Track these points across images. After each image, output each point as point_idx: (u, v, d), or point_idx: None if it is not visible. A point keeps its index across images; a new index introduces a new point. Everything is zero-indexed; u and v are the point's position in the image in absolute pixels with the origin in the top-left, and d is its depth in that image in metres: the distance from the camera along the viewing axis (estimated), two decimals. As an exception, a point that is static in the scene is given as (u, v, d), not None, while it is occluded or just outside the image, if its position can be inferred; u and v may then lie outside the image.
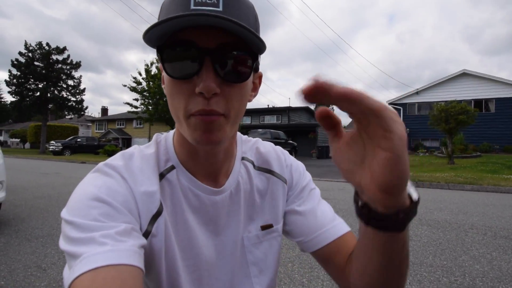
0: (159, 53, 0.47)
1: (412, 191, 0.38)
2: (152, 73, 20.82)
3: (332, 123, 0.36)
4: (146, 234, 0.50)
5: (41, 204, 5.36)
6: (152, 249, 0.51)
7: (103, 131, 36.54)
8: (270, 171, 0.66)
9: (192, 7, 0.44)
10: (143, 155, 0.56)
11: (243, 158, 0.65)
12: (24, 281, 2.46)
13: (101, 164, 0.53)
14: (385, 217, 0.37)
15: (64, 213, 0.45)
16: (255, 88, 0.59)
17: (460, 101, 15.00)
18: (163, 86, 0.57)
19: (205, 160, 0.57)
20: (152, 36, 0.45)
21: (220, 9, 0.45)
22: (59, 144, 23.20)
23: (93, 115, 47.60)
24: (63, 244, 0.43)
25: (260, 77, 0.60)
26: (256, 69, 0.54)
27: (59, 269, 2.73)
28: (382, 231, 0.39)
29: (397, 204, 0.35)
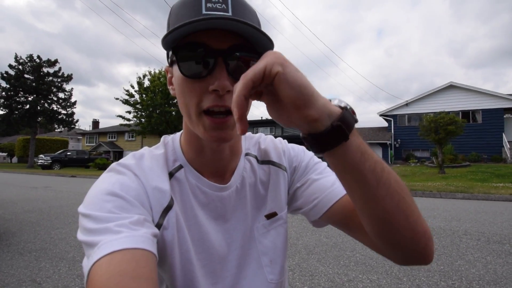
0: (174, 54, 0.51)
1: (341, 103, 0.45)
2: (145, 85, 20.84)
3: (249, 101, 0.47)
4: (158, 227, 0.53)
5: (32, 218, 5.24)
6: (164, 241, 0.54)
7: (94, 144, 36.03)
8: (270, 162, 0.69)
9: (204, 11, 0.47)
10: (153, 155, 0.60)
11: (247, 154, 0.68)
12: (19, 295, 2.39)
13: (114, 164, 0.56)
14: (326, 131, 0.41)
15: (81, 208, 0.48)
16: None
17: (448, 112, 15.39)
18: (170, 87, 0.60)
19: (212, 157, 0.60)
20: (169, 39, 0.49)
21: (230, 14, 0.48)
22: (48, 158, 22.73)
23: (84, 129, 47.05)
24: (80, 236, 0.46)
25: None
26: None
27: (54, 282, 2.67)
28: (336, 148, 0.42)
29: (324, 113, 0.41)
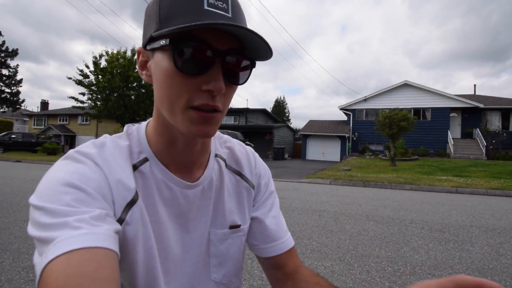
0: (171, 44, 0.46)
1: None
2: (102, 66, 19.52)
3: None
4: (120, 222, 0.49)
5: (-32, 206, 4.75)
6: (126, 237, 0.50)
7: (43, 127, 33.03)
8: (240, 174, 0.69)
9: (206, 7, 0.46)
10: (116, 145, 0.56)
11: (216, 155, 0.66)
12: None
13: (71, 151, 0.51)
14: None
15: (33, 199, 0.44)
16: None
17: (402, 109, 16.37)
18: (143, 72, 0.55)
19: (183, 151, 0.58)
20: (167, 31, 0.45)
21: (230, 15, 0.47)
22: (-11, 140, 20.63)
23: (31, 109, 43.13)
24: (32, 230, 0.42)
25: None
26: None
27: (-6, 276, 2.45)
28: None
29: None
